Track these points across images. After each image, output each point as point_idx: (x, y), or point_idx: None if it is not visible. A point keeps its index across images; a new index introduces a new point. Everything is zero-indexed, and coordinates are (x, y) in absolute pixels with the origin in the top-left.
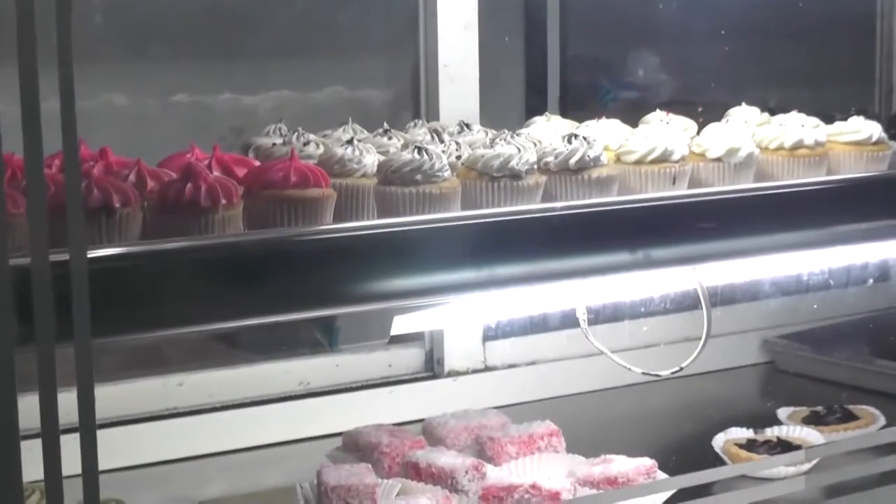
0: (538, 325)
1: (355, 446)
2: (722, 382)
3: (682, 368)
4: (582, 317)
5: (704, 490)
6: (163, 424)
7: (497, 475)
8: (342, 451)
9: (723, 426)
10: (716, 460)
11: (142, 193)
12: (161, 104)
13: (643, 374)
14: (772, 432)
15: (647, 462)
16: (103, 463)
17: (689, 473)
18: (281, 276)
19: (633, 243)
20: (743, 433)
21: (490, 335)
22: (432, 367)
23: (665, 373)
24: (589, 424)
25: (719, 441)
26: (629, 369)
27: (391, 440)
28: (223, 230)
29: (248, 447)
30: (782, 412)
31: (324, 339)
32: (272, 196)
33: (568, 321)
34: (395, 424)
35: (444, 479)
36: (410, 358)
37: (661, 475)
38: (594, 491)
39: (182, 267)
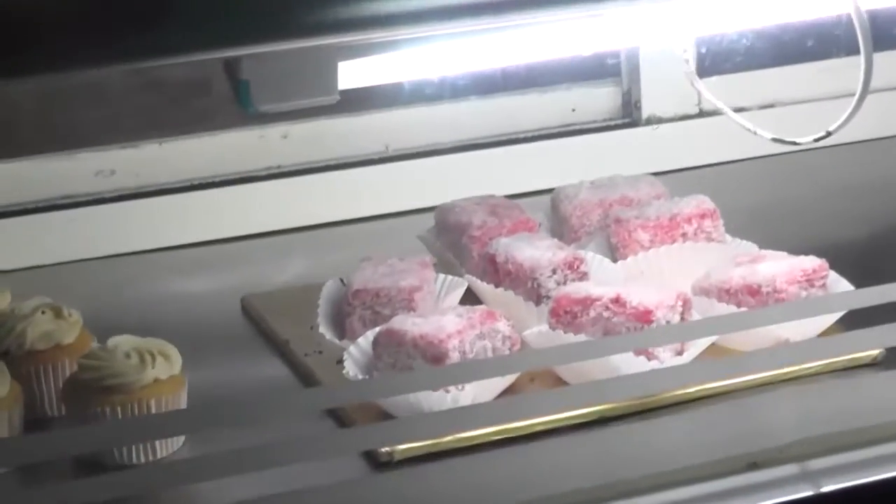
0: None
1: (445, 226)
2: None
3: None
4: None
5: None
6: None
7: (580, 285)
8: (433, 233)
9: None
10: None
11: None
12: None
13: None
14: None
15: (808, 263)
16: None
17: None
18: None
19: None
20: None
21: (706, 69)
22: (630, 113)
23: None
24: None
25: None
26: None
27: (487, 220)
28: None
29: (344, 220)
30: None
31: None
32: None
33: None
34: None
35: (522, 281)
36: (601, 100)
37: (837, 281)
38: (713, 306)
39: None
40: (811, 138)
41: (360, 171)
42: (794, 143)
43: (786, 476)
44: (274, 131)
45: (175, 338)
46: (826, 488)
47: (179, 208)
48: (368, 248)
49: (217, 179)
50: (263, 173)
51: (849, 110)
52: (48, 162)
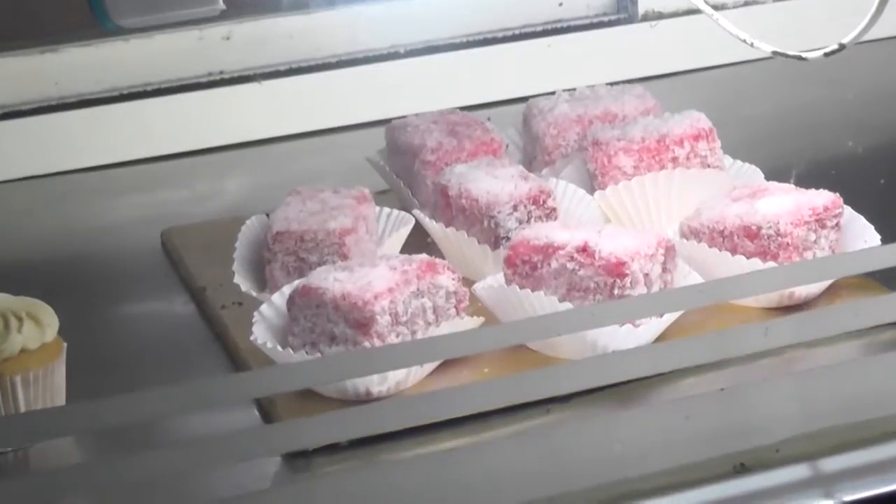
0: None
1: (396, 148)
2: None
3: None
4: None
5: None
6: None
7: (542, 228)
8: (384, 155)
9: None
10: None
11: None
12: None
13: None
14: None
15: (818, 200)
16: None
17: None
18: None
19: None
20: None
21: None
22: (625, 7)
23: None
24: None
25: None
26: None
27: (444, 141)
28: None
29: (289, 134)
30: None
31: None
32: None
33: None
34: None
35: (477, 219)
36: None
37: (853, 219)
38: (702, 252)
39: None
40: (820, 52)
41: (311, 78)
42: (800, 58)
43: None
44: (215, 32)
45: (78, 280)
46: (833, 499)
47: (99, 121)
48: (314, 169)
49: (147, 88)
50: (202, 80)
51: (868, 17)
52: None
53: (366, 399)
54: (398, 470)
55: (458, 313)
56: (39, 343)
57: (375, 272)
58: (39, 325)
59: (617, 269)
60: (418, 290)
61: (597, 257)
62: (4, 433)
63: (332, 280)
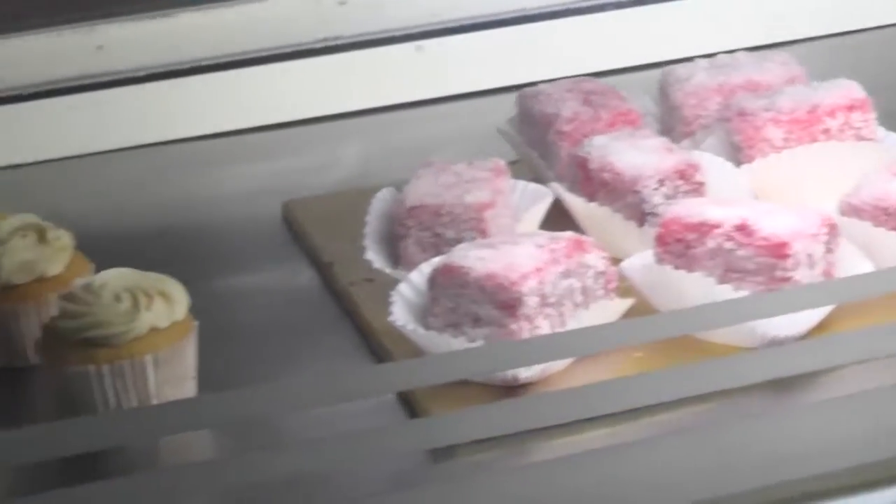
0: None
1: (528, 117)
2: None
3: None
4: None
5: None
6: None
7: (694, 204)
8: (515, 124)
9: None
10: None
11: None
12: None
13: None
14: None
15: None
16: None
17: None
18: None
19: None
20: None
21: None
22: None
23: None
24: None
25: None
26: None
27: (580, 111)
28: None
29: (412, 101)
30: None
31: None
32: None
33: None
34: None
35: (621, 194)
36: None
37: None
38: (868, 232)
39: None
40: None
41: (435, 43)
42: None
43: None
44: None
45: (197, 252)
46: None
47: (210, 90)
48: (440, 138)
49: (261, 55)
50: (318, 46)
51: None
52: (34, 39)
53: (512, 384)
54: (552, 467)
55: (606, 294)
56: (170, 321)
57: (521, 250)
58: (169, 303)
59: (779, 250)
60: (566, 269)
61: (757, 237)
62: (135, 426)
63: (474, 258)
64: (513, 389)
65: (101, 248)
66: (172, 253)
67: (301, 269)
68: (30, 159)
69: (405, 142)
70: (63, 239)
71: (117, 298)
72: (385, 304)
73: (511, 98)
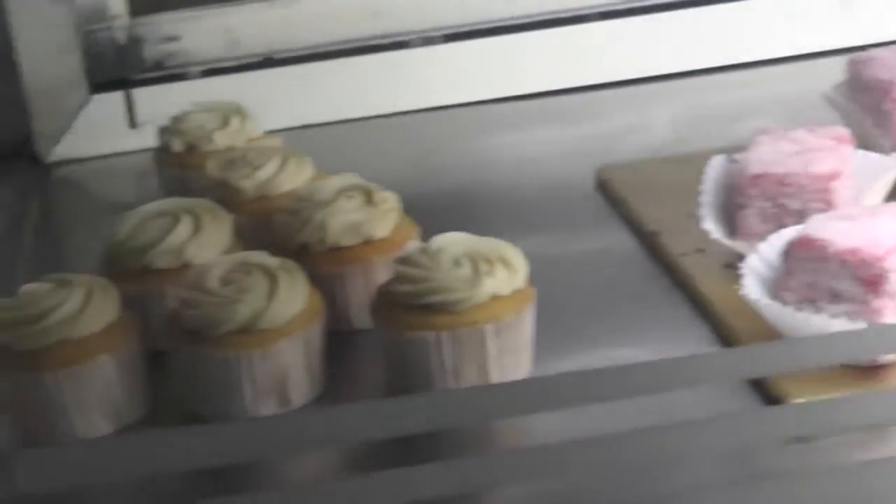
0: None
1: (860, 84)
2: None
3: None
4: None
5: None
6: None
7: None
8: (845, 91)
9: None
10: None
11: None
12: None
13: None
14: None
15: None
16: None
17: None
18: None
19: None
20: None
21: None
22: None
23: None
24: None
25: None
26: None
27: None
28: None
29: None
30: None
31: None
32: None
33: None
34: None
35: None
36: None
37: None
38: None
39: None
40: None
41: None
42: None
43: None
44: None
45: (511, 216)
46: None
47: (513, 50)
48: (760, 107)
49: (580, 13)
50: (627, 6)
51: None
52: None
53: (870, 365)
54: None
55: None
56: (511, 289)
57: (882, 224)
58: (510, 269)
59: None
60: None
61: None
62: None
63: (833, 231)
64: (871, 370)
65: (417, 210)
66: (487, 216)
67: (621, 236)
68: (337, 118)
69: (706, 108)
70: (390, 201)
71: (457, 263)
72: (720, 276)
73: (822, 64)
